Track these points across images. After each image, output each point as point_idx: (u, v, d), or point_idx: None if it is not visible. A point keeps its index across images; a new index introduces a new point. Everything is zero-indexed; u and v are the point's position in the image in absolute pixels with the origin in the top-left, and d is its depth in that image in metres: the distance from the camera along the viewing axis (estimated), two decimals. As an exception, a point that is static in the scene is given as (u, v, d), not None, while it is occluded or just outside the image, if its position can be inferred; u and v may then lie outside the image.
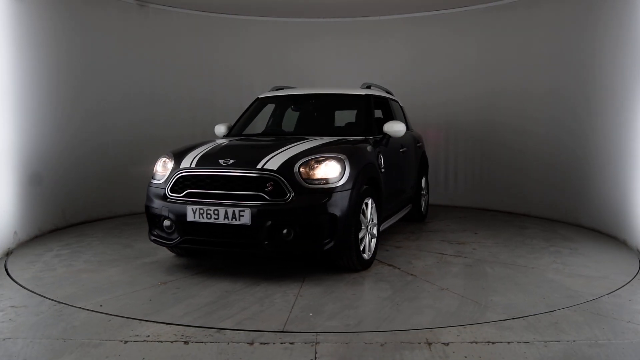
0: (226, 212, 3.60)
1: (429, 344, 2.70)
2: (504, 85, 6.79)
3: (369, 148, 4.31)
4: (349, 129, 4.90)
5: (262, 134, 5.09)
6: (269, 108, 5.51)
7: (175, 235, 3.83)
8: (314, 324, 2.97)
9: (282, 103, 5.46)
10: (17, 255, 4.59)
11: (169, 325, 2.94)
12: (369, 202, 4.06)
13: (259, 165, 3.67)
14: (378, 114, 5.36)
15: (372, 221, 4.15)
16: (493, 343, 2.71)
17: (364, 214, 3.98)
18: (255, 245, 3.62)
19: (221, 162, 3.78)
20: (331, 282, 3.78)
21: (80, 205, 6.04)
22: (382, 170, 4.43)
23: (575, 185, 5.89)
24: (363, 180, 3.91)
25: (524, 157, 6.65)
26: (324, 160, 3.71)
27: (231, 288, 3.65)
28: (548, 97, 6.27)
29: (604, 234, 5.37)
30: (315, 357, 2.55)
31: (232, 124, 5.28)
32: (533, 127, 6.51)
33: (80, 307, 3.26)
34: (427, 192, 6.42)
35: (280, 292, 3.56)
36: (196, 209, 3.67)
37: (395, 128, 4.63)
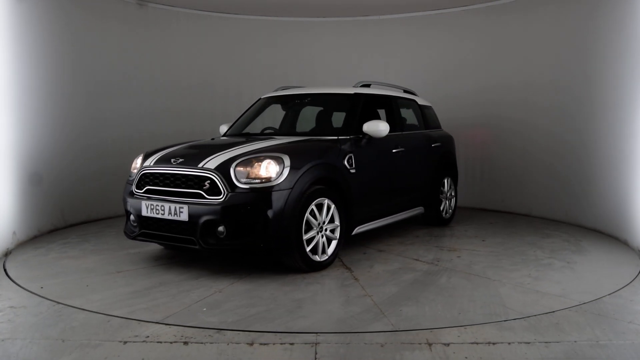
0: (169, 208, 3.82)
1: (430, 344, 2.69)
2: (505, 86, 6.78)
3: (333, 148, 4.26)
4: (326, 128, 4.86)
5: (249, 134, 5.04)
6: (273, 107, 5.49)
7: (137, 229, 4.11)
8: (189, 318, 3.05)
9: (278, 103, 5.45)
10: (16, 255, 4.58)
11: (168, 326, 2.93)
12: (325, 202, 4.02)
13: (200, 164, 3.83)
14: (380, 113, 5.29)
15: (334, 222, 4.12)
16: (494, 344, 2.69)
17: (315, 215, 3.95)
18: (191, 241, 3.76)
19: (172, 160, 4.00)
20: (267, 281, 3.79)
21: (79, 206, 6.03)
22: (352, 171, 4.33)
23: (576, 185, 5.88)
24: (310, 180, 3.88)
25: (524, 158, 6.64)
26: (262, 160, 3.75)
27: (169, 280, 3.83)
28: (549, 98, 6.26)
29: (605, 234, 5.36)
30: (316, 358, 2.54)
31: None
32: (534, 128, 6.50)
33: (23, 287, 3.62)
34: (455, 195, 6.13)
35: (207, 287, 3.66)
36: (148, 204, 3.94)
37: (377, 127, 4.48)
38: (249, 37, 7.56)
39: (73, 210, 5.95)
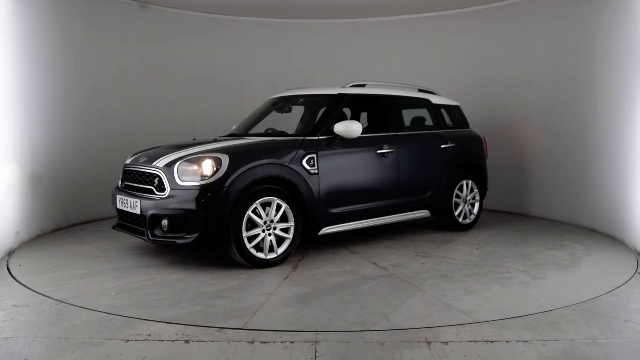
0: (130, 202, 4.21)
1: (428, 342, 2.72)
2: (504, 86, 6.81)
3: (288, 148, 4.30)
4: (302, 128, 4.90)
5: (237, 134, 5.15)
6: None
7: (117, 220, 4.58)
8: (88, 299, 3.38)
9: (273, 104, 5.50)
10: (19, 255, 4.62)
11: (170, 324, 2.96)
12: (275, 202, 4.11)
13: (154, 163, 4.17)
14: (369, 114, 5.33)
15: (290, 221, 4.21)
16: (492, 342, 2.72)
17: (260, 214, 4.06)
18: (142, 233, 4.10)
19: (140, 159, 4.40)
20: (202, 274, 4.00)
21: (81, 205, 6.06)
22: (314, 171, 4.36)
23: (574, 185, 5.90)
24: (251, 179, 4.01)
25: (522, 157, 6.66)
26: (201, 159, 3.99)
27: (124, 267, 4.22)
28: (547, 97, 6.29)
29: (602, 233, 5.39)
30: (315, 356, 2.57)
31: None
32: (532, 127, 6.52)
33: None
34: (480, 200, 5.80)
35: (145, 274, 3.99)
36: (120, 198, 4.39)
37: (348, 128, 4.47)
38: (250, 39, 7.59)
39: (76, 209, 5.98)
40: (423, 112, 5.63)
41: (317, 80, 7.34)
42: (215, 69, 7.43)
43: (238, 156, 4.06)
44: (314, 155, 4.40)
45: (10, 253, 4.66)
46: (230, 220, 3.92)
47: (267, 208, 4.11)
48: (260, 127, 5.31)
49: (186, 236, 3.90)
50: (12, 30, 5.00)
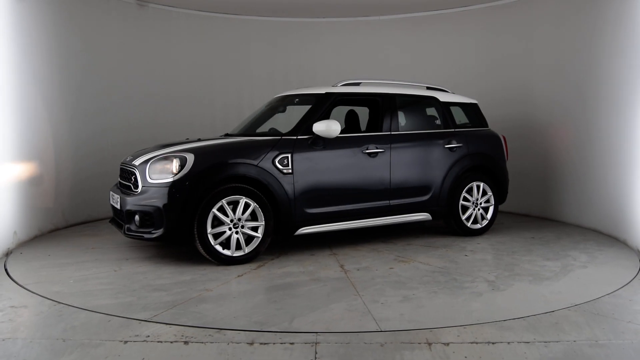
0: (114, 198, 4.47)
1: (429, 344, 2.70)
2: (504, 86, 6.80)
3: (260, 148, 4.32)
4: (285, 128, 4.87)
5: (232, 134, 5.19)
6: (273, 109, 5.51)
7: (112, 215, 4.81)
8: (45, 287, 3.63)
9: (271, 104, 5.49)
10: (17, 255, 4.60)
11: (168, 326, 2.94)
12: (243, 201, 4.17)
13: (133, 162, 4.38)
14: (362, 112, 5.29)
15: (260, 220, 4.26)
16: (493, 343, 2.70)
17: (226, 212, 4.15)
18: (122, 227, 4.31)
19: (128, 158, 4.59)
20: (166, 267, 4.18)
21: (79, 206, 6.05)
22: (287, 171, 4.35)
23: (576, 186, 5.89)
24: (216, 178, 4.10)
25: (523, 157, 6.64)
26: (168, 158, 4.16)
27: (105, 258, 4.49)
28: (548, 97, 6.28)
29: (604, 234, 5.37)
30: (316, 358, 2.55)
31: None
32: (532, 127, 6.51)
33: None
34: (495, 203, 5.42)
35: (116, 266, 4.22)
36: (111, 194, 4.61)
37: (327, 128, 4.42)
38: (249, 38, 7.57)
39: (74, 210, 5.97)
40: (430, 111, 5.44)
41: (318, 79, 7.33)
42: (215, 67, 7.41)
43: (204, 155, 4.17)
44: (289, 155, 4.39)
45: (8, 254, 4.64)
46: (194, 218, 4.05)
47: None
48: (261, 128, 5.30)
49: (153, 231, 4.07)
50: (11, 30, 4.98)
